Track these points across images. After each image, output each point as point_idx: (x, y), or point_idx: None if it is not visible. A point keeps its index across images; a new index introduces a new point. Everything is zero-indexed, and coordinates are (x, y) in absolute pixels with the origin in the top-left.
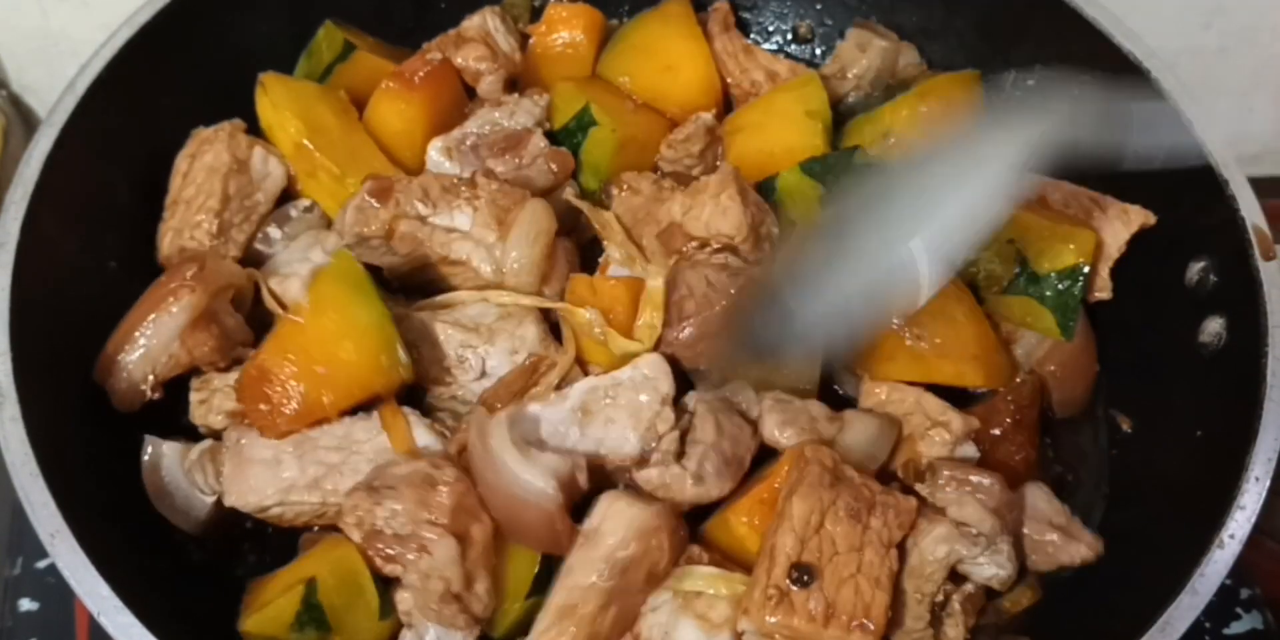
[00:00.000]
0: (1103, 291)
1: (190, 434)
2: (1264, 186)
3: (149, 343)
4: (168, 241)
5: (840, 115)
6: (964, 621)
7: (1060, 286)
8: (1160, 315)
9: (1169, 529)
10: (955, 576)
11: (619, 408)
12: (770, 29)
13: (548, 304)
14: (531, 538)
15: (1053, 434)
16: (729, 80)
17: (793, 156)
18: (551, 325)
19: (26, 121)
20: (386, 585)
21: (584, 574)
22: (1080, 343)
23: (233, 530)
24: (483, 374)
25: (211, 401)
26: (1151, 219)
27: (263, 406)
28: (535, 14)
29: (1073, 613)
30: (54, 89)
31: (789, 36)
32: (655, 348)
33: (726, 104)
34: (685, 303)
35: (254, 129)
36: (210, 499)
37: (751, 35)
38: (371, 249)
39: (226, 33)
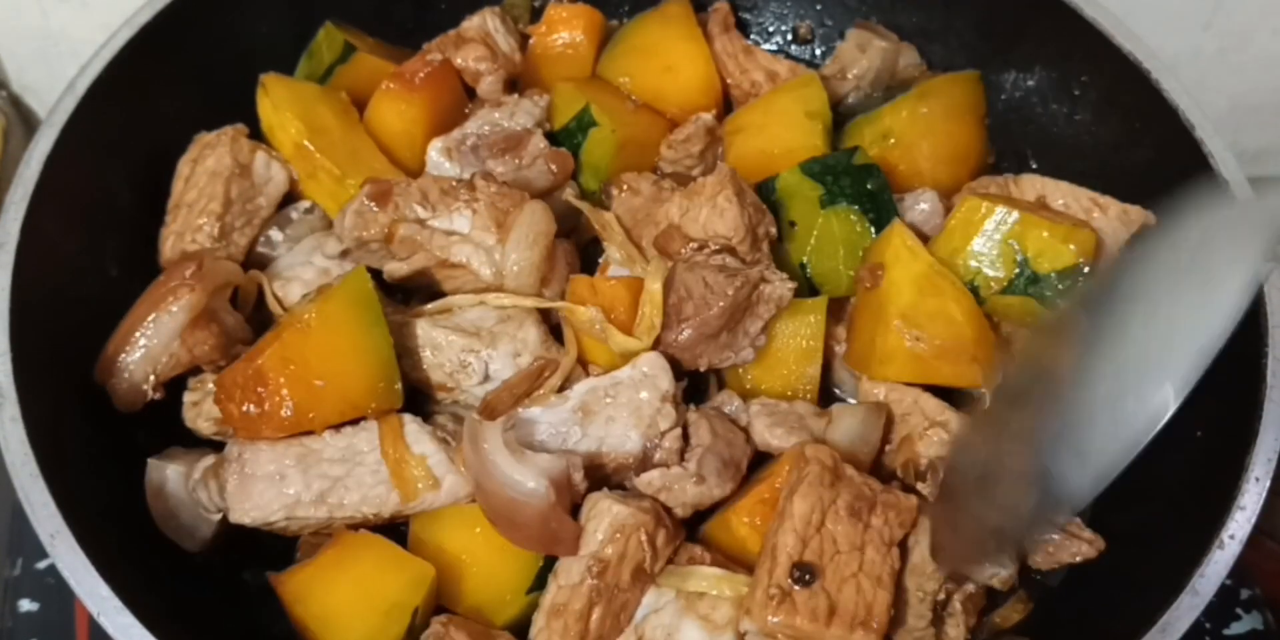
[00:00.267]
0: None
1: (190, 436)
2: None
3: (150, 343)
4: (170, 245)
5: (840, 116)
6: (965, 621)
7: (1060, 286)
8: None
9: (1169, 529)
10: (956, 576)
11: (619, 406)
12: (770, 29)
13: (548, 304)
14: (529, 538)
15: None
16: (729, 81)
17: (793, 157)
18: (552, 327)
19: (26, 121)
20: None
21: (571, 573)
22: None
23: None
24: (486, 378)
25: (202, 405)
26: (1151, 219)
27: (250, 408)
28: (535, 14)
29: (1073, 613)
30: (54, 89)
31: (789, 37)
32: (655, 347)
33: (726, 104)
34: (683, 305)
35: (254, 129)
36: (215, 517)
37: (751, 36)
38: (371, 252)
39: (227, 33)
